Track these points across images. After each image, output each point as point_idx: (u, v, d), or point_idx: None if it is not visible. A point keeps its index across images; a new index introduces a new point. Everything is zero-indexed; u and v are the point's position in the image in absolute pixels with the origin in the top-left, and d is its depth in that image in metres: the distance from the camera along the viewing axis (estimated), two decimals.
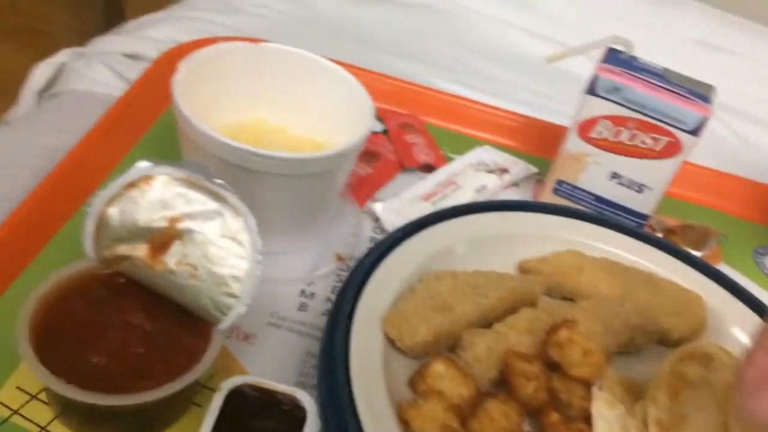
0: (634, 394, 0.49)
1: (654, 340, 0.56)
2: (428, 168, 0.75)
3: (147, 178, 0.48)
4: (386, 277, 0.54)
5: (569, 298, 0.59)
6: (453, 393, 0.47)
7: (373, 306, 0.51)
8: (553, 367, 0.50)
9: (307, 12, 1.02)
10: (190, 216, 0.47)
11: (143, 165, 0.48)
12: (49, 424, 0.47)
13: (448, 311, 0.51)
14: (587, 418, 0.47)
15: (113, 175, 0.64)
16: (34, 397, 0.48)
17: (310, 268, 0.62)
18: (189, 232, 0.47)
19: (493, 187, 0.73)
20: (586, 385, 0.48)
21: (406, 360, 0.51)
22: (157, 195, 0.48)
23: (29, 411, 0.47)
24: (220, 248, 0.47)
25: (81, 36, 1.02)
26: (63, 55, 0.83)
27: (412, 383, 0.49)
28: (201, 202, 0.47)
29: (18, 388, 0.48)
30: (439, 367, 0.48)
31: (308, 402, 0.47)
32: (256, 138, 0.63)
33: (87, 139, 0.65)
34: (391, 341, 0.51)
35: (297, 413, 0.47)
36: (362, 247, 0.65)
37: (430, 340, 0.50)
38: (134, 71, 0.79)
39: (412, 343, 0.50)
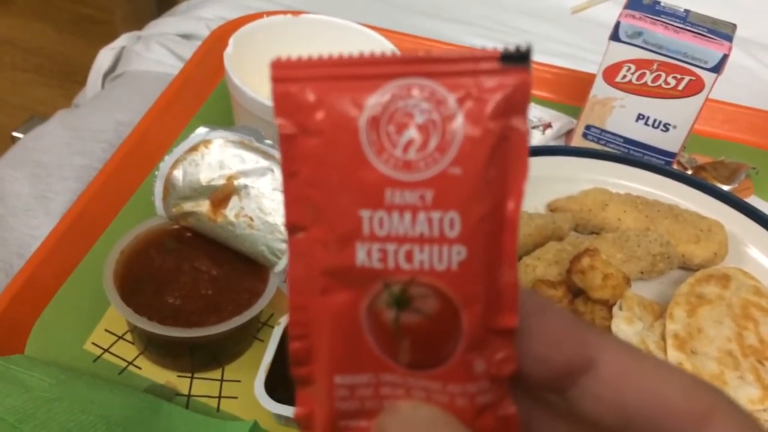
0: (655, 313, 0.54)
1: (676, 266, 0.60)
2: None
3: (206, 142, 0.54)
4: None
5: (597, 232, 0.64)
6: None
7: None
8: (578, 293, 0.55)
9: None
10: (244, 173, 0.53)
11: (202, 131, 0.54)
12: (135, 359, 0.54)
13: None
14: None
15: (177, 142, 0.72)
16: (120, 337, 0.55)
17: None
18: (245, 187, 0.54)
19: (536, 143, 0.75)
20: (608, 306, 0.53)
21: None
22: (215, 156, 0.54)
23: (117, 349, 0.54)
24: (272, 200, 0.53)
25: (138, 22, 1.10)
26: (123, 40, 0.90)
27: None
28: (253, 160, 0.53)
29: (107, 330, 0.55)
30: None
31: None
32: None
33: (150, 113, 0.72)
34: None
35: None
36: None
37: None
38: (188, 49, 0.85)
39: None
